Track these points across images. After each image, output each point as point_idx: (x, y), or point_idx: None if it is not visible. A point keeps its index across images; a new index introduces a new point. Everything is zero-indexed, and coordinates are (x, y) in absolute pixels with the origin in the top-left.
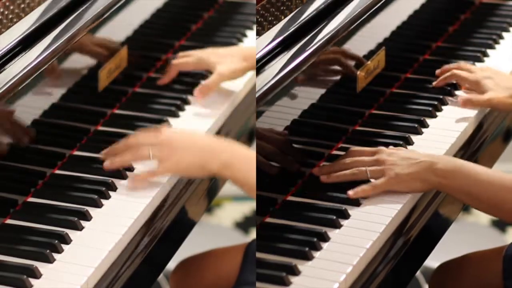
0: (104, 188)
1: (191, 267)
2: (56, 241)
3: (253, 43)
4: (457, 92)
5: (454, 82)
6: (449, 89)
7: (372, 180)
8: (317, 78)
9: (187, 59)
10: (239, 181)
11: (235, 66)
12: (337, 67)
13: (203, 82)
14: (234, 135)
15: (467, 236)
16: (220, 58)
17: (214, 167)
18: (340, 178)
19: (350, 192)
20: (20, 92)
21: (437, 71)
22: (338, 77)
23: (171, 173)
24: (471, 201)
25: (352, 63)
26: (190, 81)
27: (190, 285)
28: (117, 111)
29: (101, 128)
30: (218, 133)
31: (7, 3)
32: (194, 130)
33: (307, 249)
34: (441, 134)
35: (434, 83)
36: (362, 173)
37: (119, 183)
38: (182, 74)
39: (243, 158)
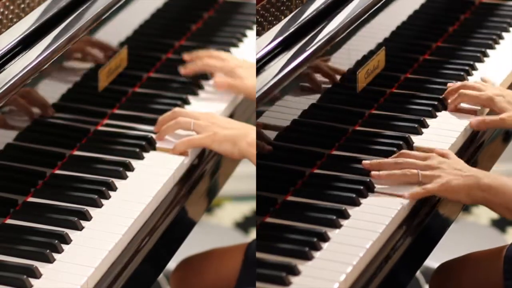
0: (104, 188)
1: (191, 267)
2: (56, 241)
3: (253, 43)
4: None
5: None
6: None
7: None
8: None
9: (217, 63)
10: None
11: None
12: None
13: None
14: None
15: (467, 236)
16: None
17: (244, 144)
18: (391, 177)
19: (406, 194)
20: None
21: (445, 93)
22: (338, 77)
23: (206, 143)
24: None
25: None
26: (190, 81)
27: (191, 285)
28: (117, 111)
29: (101, 128)
30: None
31: (7, 3)
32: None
33: (307, 249)
34: (441, 134)
35: (448, 109)
36: (414, 176)
37: (119, 183)
38: (182, 74)
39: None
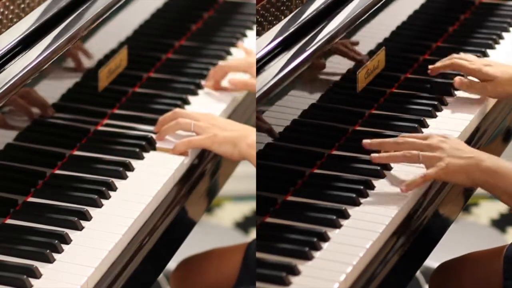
0: (104, 188)
1: (191, 267)
2: (56, 241)
3: (253, 43)
4: (456, 93)
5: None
6: (449, 89)
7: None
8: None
9: (236, 63)
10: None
11: None
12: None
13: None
14: None
15: (467, 236)
16: None
17: (243, 145)
18: (391, 159)
19: (403, 187)
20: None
21: (435, 66)
22: (338, 77)
23: (206, 145)
24: None
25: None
26: (190, 81)
27: (191, 285)
28: (117, 111)
29: (101, 128)
30: None
31: (7, 3)
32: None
33: (307, 249)
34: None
35: (430, 67)
36: (414, 157)
37: (119, 183)
38: (182, 74)
39: None
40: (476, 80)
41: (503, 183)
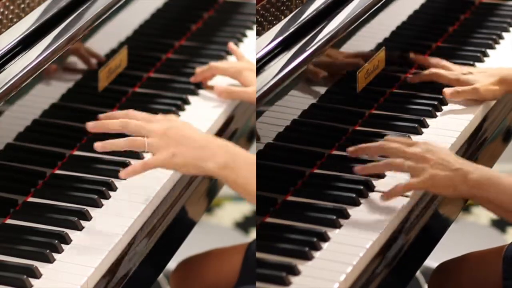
0: (104, 188)
1: (191, 267)
2: (56, 241)
3: (253, 43)
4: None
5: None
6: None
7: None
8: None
9: (226, 66)
10: (238, 184)
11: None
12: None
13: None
14: (234, 134)
15: (467, 236)
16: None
17: (212, 166)
18: (375, 169)
19: (384, 196)
20: (20, 92)
21: (412, 56)
22: (338, 77)
23: (164, 166)
24: (503, 213)
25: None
26: (190, 81)
27: (190, 285)
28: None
29: None
30: (218, 132)
31: (7, 3)
32: (193, 127)
33: (307, 249)
34: (441, 134)
35: (409, 78)
36: (399, 165)
37: (119, 183)
38: (182, 74)
39: (243, 159)
40: (463, 87)
41: (493, 195)
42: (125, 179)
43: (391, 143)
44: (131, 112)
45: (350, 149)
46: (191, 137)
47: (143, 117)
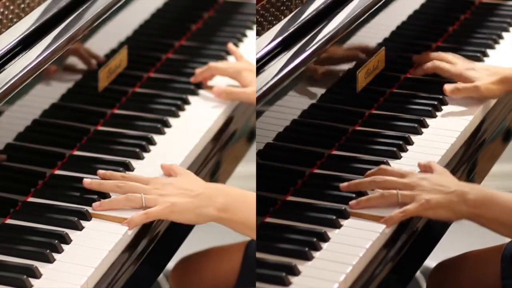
0: None
1: (191, 265)
2: (56, 241)
3: (253, 43)
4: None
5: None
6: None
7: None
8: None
9: (225, 66)
10: (239, 222)
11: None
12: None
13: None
14: (234, 135)
15: (466, 236)
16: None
17: (212, 212)
18: (369, 203)
19: (384, 222)
20: (20, 92)
21: (415, 57)
22: (338, 77)
23: (165, 216)
24: (505, 231)
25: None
26: (190, 81)
27: (190, 283)
28: (117, 111)
29: (101, 128)
30: (218, 132)
31: (7, 3)
32: (188, 176)
33: (307, 249)
34: (441, 134)
35: (412, 72)
36: (392, 196)
37: None
38: (182, 74)
39: (240, 198)
40: (464, 84)
41: (491, 213)
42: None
43: (384, 176)
44: (130, 175)
45: (343, 185)
46: (188, 187)
47: (139, 180)
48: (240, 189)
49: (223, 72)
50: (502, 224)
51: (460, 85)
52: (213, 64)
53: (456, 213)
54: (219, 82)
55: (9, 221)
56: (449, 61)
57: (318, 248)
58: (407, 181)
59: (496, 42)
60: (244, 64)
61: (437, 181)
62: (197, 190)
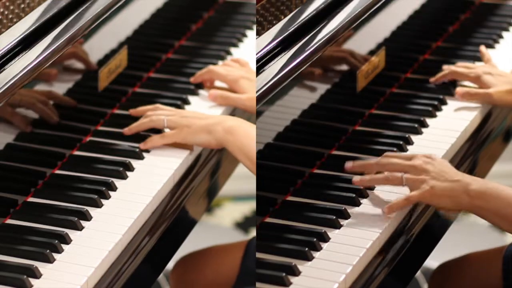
0: (104, 188)
1: (191, 263)
2: (56, 241)
3: (253, 43)
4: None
5: (454, 79)
6: (449, 88)
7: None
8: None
9: (224, 73)
10: (241, 148)
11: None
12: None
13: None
14: None
15: (467, 236)
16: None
17: (219, 130)
18: (373, 182)
19: (385, 210)
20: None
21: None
22: (338, 77)
23: (180, 137)
24: (505, 225)
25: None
26: (190, 81)
27: (190, 282)
28: (117, 111)
29: (101, 128)
30: None
31: (7, 3)
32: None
33: (307, 249)
34: (441, 134)
35: (431, 79)
36: (397, 179)
37: (119, 183)
38: (182, 74)
39: (247, 126)
40: (476, 89)
41: (492, 205)
42: (125, 179)
43: (389, 158)
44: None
45: (348, 164)
46: (204, 114)
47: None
48: (249, 122)
49: (222, 78)
50: (503, 218)
51: (472, 90)
52: (213, 68)
53: (457, 203)
54: (218, 84)
55: (9, 221)
56: (465, 67)
57: (318, 248)
58: (412, 163)
59: (496, 42)
60: (243, 72)
61: (442, 167)
62: (211, 117)
